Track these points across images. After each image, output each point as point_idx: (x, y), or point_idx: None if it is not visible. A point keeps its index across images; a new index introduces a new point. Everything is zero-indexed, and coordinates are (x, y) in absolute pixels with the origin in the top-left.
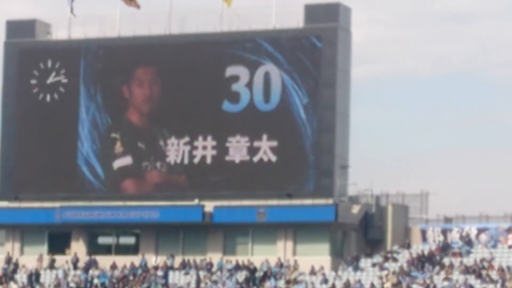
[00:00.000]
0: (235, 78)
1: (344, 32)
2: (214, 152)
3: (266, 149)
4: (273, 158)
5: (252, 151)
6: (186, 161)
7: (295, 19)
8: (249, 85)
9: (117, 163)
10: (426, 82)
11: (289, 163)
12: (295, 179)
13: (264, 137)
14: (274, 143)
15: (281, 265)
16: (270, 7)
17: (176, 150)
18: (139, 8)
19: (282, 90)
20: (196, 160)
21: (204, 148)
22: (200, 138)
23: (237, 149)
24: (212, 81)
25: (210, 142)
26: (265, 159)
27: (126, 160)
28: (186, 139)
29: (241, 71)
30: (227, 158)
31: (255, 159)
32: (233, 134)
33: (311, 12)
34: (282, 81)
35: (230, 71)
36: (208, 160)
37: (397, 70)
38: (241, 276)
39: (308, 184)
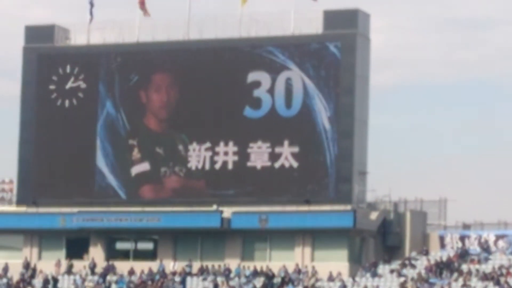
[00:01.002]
0: (257, 84)
1: (363, 38)
2: (235, 158)
3: (287, 155)
4: (295, 164)
5: (274, 157)
6: (207, 166)
7: (314, 25)
8: (271, 91)
9: (135, 170)
10: (445, 88)
11: (310, 169)
12: (314, 185)
13: (286, 143)
14: (295, 149)
15: (299, 271)
16: (289, 13)
17: (197, 155)
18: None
19: (303, 96)
20: (217, 166)
21: (226, 154)
22: (222, 144)
23: (259, 155)
24: (233, 87)
25: (231, 147)
26: (287, 165)
27: (144, 166)
28: (207, 144)
29: (262, 76)
30: (249, 164)
31: (277, 165)
32: (255, 140)
33: (330, 18)
34: (304, 87)
35: (252, 77)
36: (230, 166)
37: (415, 76)
38: (259, 282)
39: (327, 190)
